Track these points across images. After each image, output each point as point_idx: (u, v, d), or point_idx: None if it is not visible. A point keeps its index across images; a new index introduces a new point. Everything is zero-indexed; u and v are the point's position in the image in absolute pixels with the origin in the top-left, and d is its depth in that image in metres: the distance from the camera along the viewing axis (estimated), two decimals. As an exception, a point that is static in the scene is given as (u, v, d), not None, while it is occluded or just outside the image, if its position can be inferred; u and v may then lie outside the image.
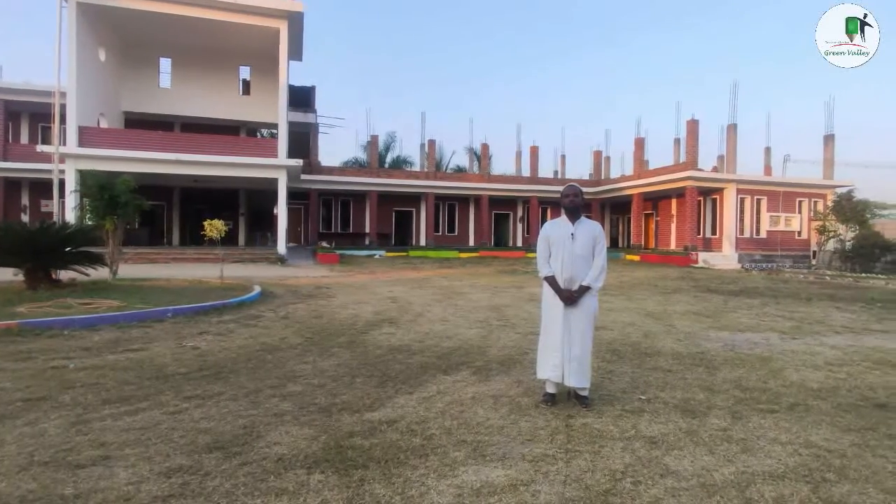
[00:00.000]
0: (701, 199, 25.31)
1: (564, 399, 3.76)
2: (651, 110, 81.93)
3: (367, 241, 27.82)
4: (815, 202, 25.30)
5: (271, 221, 23.08)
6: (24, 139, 24.42)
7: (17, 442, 2.89)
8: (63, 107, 17.64)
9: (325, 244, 24.51)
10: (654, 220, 29.80)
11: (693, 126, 23.63)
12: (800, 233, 25.56)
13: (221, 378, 4.26)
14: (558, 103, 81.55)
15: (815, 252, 24.26)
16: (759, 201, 24.93)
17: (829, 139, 25.71)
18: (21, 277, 9.01)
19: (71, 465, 2.61)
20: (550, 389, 3.73)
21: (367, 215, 28.42)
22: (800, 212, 25.60)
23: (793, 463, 2.79)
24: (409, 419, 3.36)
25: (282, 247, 19.64)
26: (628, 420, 3.40)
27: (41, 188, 22.87)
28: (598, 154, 33.68)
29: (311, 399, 3.74)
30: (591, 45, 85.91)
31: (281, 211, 20.02)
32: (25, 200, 23.98)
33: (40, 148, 18.92)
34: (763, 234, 24.91)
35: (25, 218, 22.75)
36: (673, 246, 27.17)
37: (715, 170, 28.54)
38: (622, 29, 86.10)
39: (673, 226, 27.68)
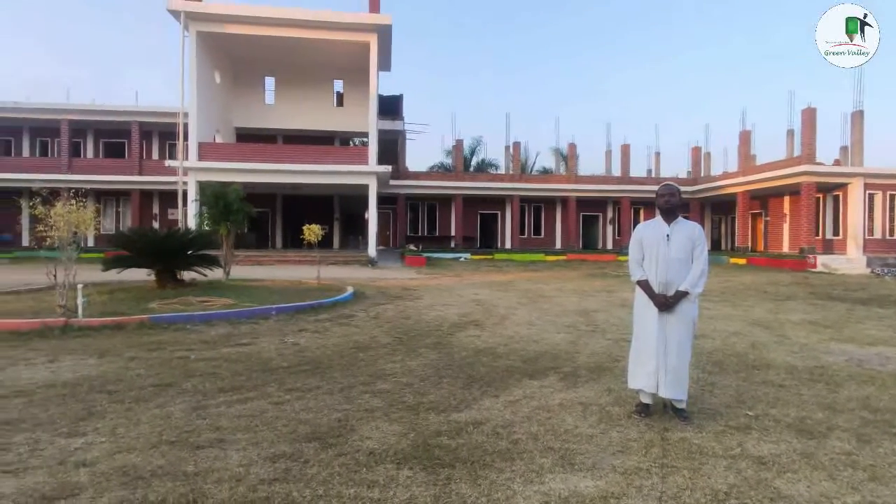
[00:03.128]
0: (820, 196, 22.71)
1: (660, 411, 3.56)
2: (758, 101, 74.93)
3: (452, 244, 28.21)
4: (969, 197, 21.70)
5: (363, 225, 24.18)
6: (155, 155, 27.79)
7: (149, 422, 3.29)
8: (186, 126, 19.85)
9: (412, 247, 25.20)
10: (762, 220, 27.22)
11: (810, 115, 21.28)
12: (947, 233, 22.05)
13: (318, 373, 4.54)
14: (651, 98, 77.30)
15: (968, 255, 20.78)
16: (892, 197, 21.88)
17: None
18: (152, 277, 10.24)
19: (192, 446, 2.92)
20: (645, 400, 3.54)
21: (453, 218, 28.81)
22: (947, 208, 22.09)
23: (938, 498, 2.42)
24: (495, 422, 3.36)
25: (372, 249, 20.54)
26: (733, 437, 3.14)
27: (168, 198, 25.79)
28: (696, 150, 31.43)
29: (399, 397, 3.87)
30: (686, 34, 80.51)
31: (371, 215, 20.94)
32: (156, 209, 27.24)
33: (168, 163, 21.44)
34: (899, 235, 21.80)
35: (156, 225, 25.88)
36: (786, 248, 24.62)
37: (837, 163, 25.50)
38: (723, 13, 79.79)
39: (786, 226, 25.09)
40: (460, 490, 2.44)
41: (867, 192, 21.58)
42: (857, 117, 22.77)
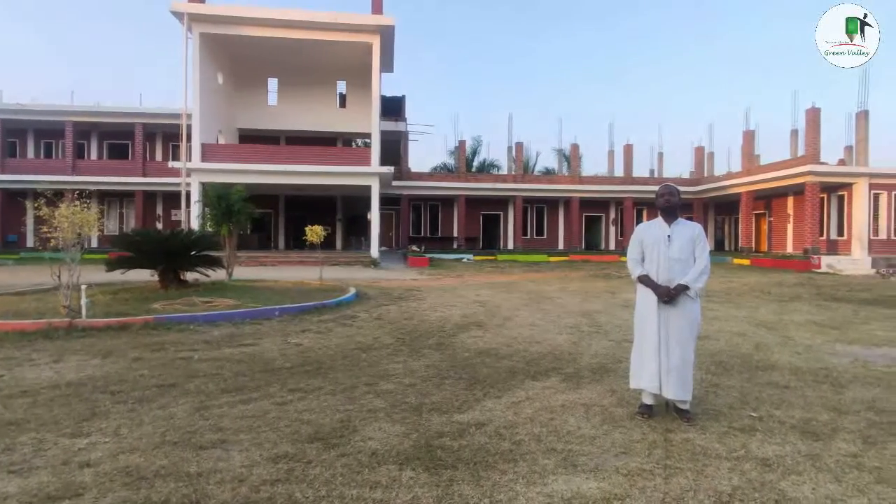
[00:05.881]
0: (824, 196, 22.62)
1: (663, 412, 3.54)
2: (762, 101, 74.67)
3: (455, 245, 28.21)
4: (975, 197, 21.56)
5: (365, 226, 24.23)
6: (159, 157, 27.89)
7: (152, 423, 3.30)
8: (189, 127, 19.92)
9: (415, 248, 25.20)
10: (766, 220, 27.13)
11: (814, 115, 21.21)
12: (953, 233, 21.92)
13: (321, 374, 4.54)
14: (655, 98, 77.13)
15: (974, 255, 20.64)
16: (898, 197, 21.77)
17: None
18: (156, 278, 10.26)
19: (195, 446, 2.92)
20: (647, 400, 3.53)
21: (456, 219, 28.83)
22: (953, 208, 21.96)
23: (945, 500, 2.40)
24: (498, 423, 3.35)
25: (375, 250, 20.56)
26: (737, 438, 3.12)
27: (172, 199, 25.90)
28: (699, 150, 31.37)
29: (402, 398, 3.87)
30: (689, 33, 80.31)
31: (374, 216, 20.95)
32: (159, 210, 27.33)
33: (171, 164, 21.50)
34: (904, 235, 21.71)
35: (159, 226, 25.98)
36: (790, 249, 24.52)
37: (841, 163, 25.40)
38: (727, 12, 79.56)
39: (789, 227, 25.00)
40: (463, 491, 2.44)
41: (872, 192, 21.49)
42: (862, 117, 22.68)
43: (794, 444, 3.05)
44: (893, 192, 21.76)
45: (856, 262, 20.11)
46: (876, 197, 21.70)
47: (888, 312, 8.79)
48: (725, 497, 2.41)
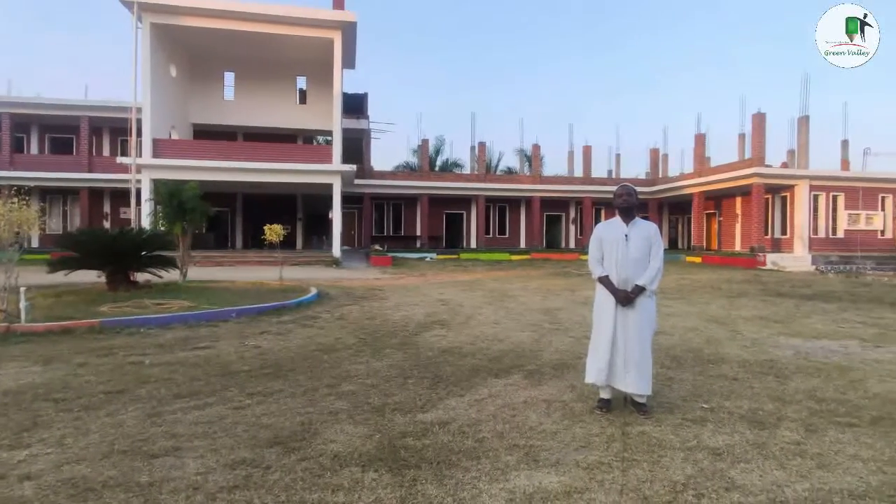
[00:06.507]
0: (769, 196, 23.85)
1: (620, 405, 3.64)
2: (713, 106, 78.11)
3: (418, 244, 28.15)
4: (901, 198, 23.24)
5: (327, 225, 23.82)
6: (106, 152, 26.52)
7: (99, 431, 3.14)
8: (139, 121, 19.05)
9: (377, 247, 24.98)
10: (716, 220, 28.36)
11: (759, 120, 22.31)
12: (883, 232, 23.56)
13: (281, 376, 4.44)
14: (613, 101, 79.30)
15: (901, 253, 22.25)
16: (835, 198, 23.20)
17: (916, 129, 23.53)
18: (104, 279, 9.77)
19: (146, 455, 2.80)
20: (605, 395, 3.62)
21: (419, 218, 28.77)
22: (883, 209, 23.59)
23: (876, 482, 2.57)
24: (461, 421, 3.36)
25: (337, 250, 20.25)
26: (690, 429, 3.25)
27: (121, 196, 24.67)
28: (655, 152, 32.45)
29: (364, 399, 3.83)
30: (645, 39, 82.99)
31: (336, 215, 20.64)
32: (107, 208, 26.01)
33: (120, 160, 20.49)
34: (840, 234, 23.16)
35: (107, 224, 24.71)
36: (738, 247, 25.73)
37: (784, 165, 26.84)
38: (679, 19, 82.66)
39: (738, 226, 26.23)
40: (426, 491, 2.43)
41: (812, 193, 22.80)
42: (804, 122, 24.02)
43: (743, 433, 3.20)
44: (832, 194, 23.15)
45: (798, 259, 21.30)
46: (815, 198, 23.03)
47: (826, 307, 9.35)
48: (680, 486, 2.50)
